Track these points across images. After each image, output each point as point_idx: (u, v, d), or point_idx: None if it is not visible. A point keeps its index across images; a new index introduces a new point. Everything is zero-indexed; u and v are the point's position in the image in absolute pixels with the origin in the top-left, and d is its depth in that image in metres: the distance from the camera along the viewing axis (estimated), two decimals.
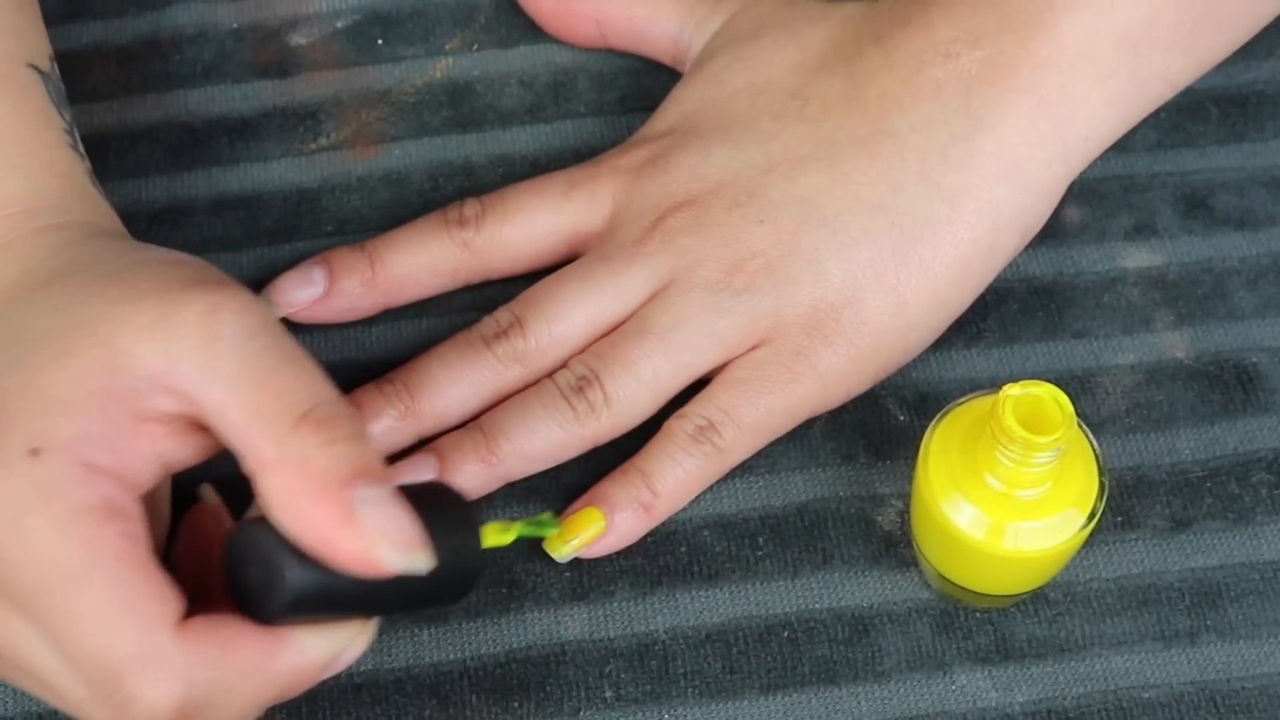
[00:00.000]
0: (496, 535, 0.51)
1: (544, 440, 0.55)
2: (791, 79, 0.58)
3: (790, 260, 0.56)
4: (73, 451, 0.45)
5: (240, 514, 0.52)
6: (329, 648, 0.47)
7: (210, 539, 0.48)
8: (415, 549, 0.45)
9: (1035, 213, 0.57)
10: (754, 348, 0.56)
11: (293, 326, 0.58)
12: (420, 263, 0.58)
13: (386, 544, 0.44)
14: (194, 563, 0.49)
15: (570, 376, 0.56)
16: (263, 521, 0.45)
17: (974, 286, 0.57)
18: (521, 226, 0.58)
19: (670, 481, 0.55)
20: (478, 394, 0.56)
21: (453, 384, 0.56)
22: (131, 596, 0.44)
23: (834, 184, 0.56)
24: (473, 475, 0.55)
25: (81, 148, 0.54)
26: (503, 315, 0.57)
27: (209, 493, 0.51)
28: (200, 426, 0.47)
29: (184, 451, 0.47)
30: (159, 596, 0.44)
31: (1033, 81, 0.55)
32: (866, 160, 0.56)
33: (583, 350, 0.57)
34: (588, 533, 0.55)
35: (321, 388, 0.46)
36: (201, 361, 0.45)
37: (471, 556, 0.48)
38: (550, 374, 0.56)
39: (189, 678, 0.44)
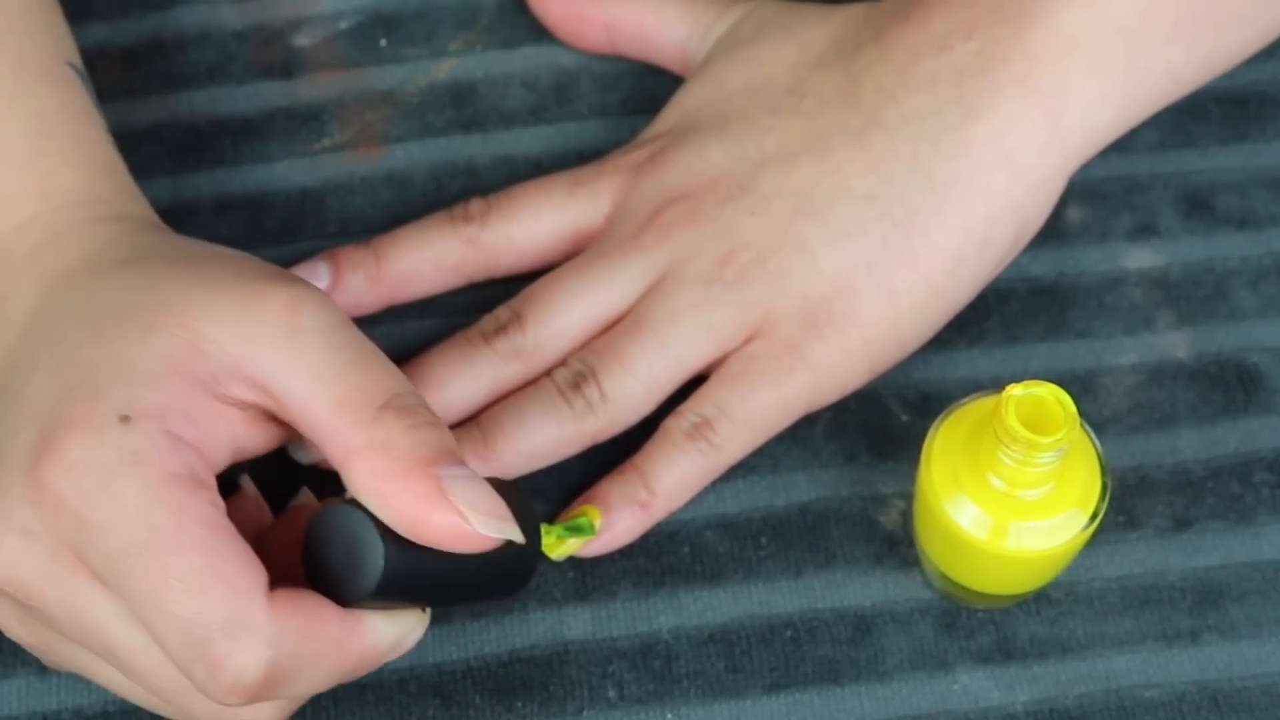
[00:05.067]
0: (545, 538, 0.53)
1: (541, 437, 0.56)
2: (790, 77, 0.58)
3: (781, 251, 0.56)
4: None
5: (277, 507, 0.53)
6: (397, 632, 0.48)
7: (250, 529, 0.48)
8: (505, 519, 0.46)
9: (1033, 204, 0.57)
10: (748, 341, 0.56)
11: None
12: (425, 258, 0.59)
13: (478, 515, 0.46)
14: None
15: (567, 373, 0.56)
16: (348, 505, 0.46)
17: (969, 278, 0.57)
18: (526, 223, 0.59)
19: (667, 480, 0.55)
20: (478, 390, 0.57)
21: (453, 380, 0.56)
22: (223, 563, 0.44)
23: (825, 175, 0.56)
24: None
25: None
26: (502, 312, 0.57)
27: (248, 484, 0.52)
28: (271, 418, 0.48)
29: (256, 440, 0.48)
30: (250, 565, 0.45)
31: (1025, 70, 0.55)
32: (858, 151, 0.56)
33: (582, 347, 0.57)
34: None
35: (398, 379, 0.47)
36: (285, 352, 0.46)
37: (532, 547, 0.50)
38: (549, 371, 0.57)
39: (277, 646, 0.45)
